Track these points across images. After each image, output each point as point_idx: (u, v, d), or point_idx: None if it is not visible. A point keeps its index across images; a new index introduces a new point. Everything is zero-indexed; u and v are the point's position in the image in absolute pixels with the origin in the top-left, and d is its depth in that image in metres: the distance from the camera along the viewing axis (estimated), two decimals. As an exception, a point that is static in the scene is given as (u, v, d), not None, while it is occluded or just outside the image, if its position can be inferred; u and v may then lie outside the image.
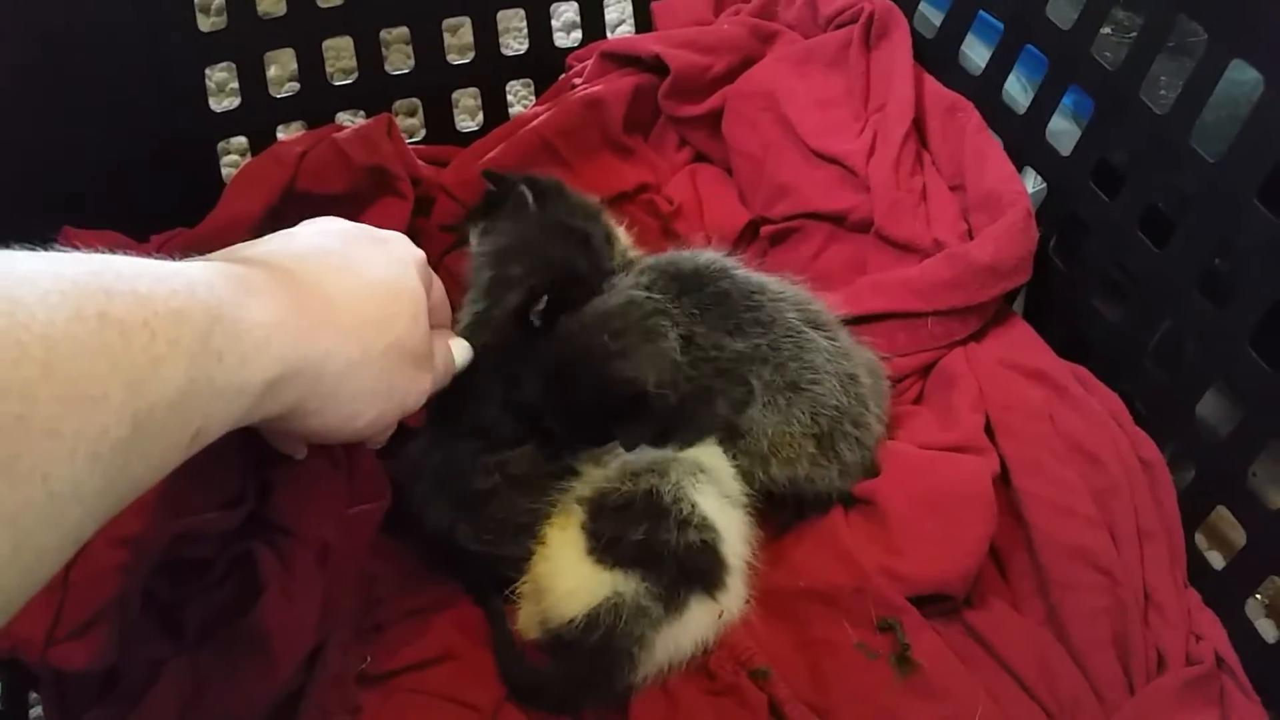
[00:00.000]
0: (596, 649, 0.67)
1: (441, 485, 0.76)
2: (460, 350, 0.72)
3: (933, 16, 0.98)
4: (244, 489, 0.69)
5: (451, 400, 0.73)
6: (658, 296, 0.75)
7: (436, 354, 0.65)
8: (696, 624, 0.69)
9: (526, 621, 0.72)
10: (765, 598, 0.75)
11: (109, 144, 0.89)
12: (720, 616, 0.70)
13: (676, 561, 0.68)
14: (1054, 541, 0.75)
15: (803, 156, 0.95)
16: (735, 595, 0.71)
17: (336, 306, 0.54)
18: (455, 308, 0.95)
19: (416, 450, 0.78)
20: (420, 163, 0.97)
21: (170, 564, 0.64)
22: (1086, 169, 0.85)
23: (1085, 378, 0.84)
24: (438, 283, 0.69)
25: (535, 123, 0.98)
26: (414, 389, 0.61)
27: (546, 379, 0.73)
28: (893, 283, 0.86)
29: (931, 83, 0.95)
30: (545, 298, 0.76)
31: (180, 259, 0.48)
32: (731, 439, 0.75)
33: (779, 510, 0.79)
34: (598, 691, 0.68)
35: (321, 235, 0.61)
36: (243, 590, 0.64)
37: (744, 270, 0.79)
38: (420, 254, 0.65)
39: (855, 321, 0.85)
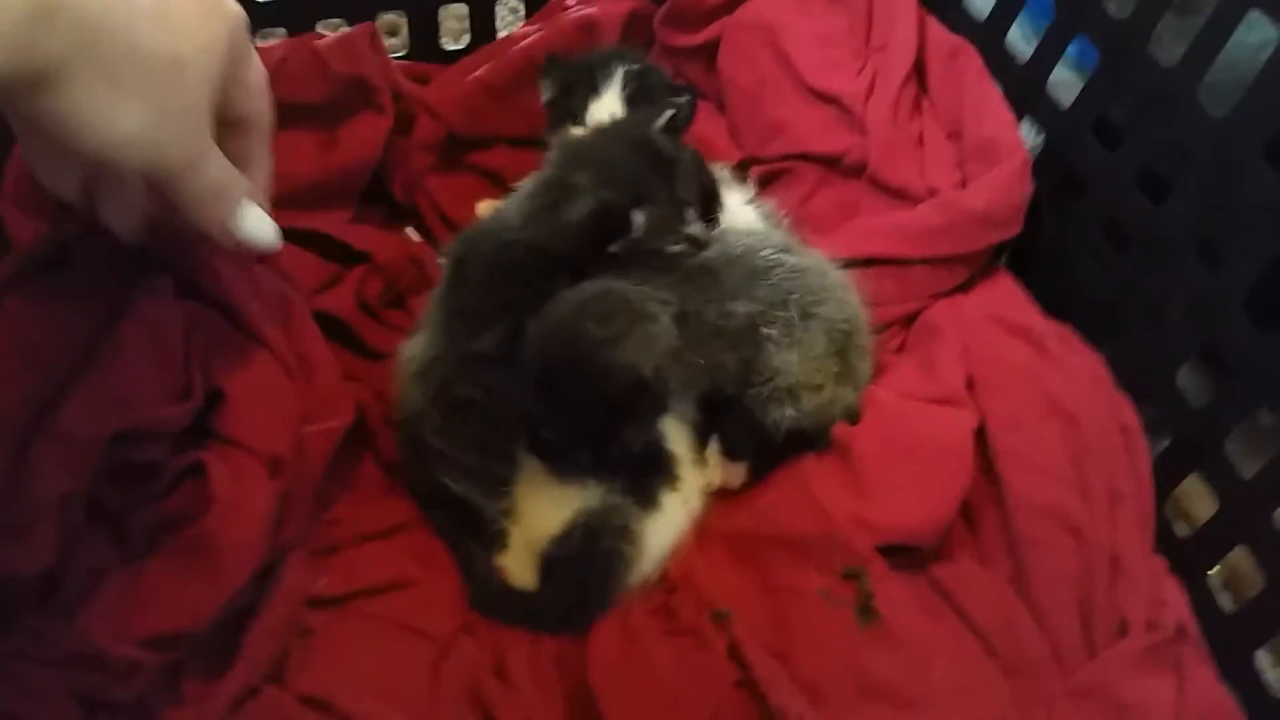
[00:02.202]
0: (587, 555, 0.68)
1: (424, 378, 0.73)
2: (259, 224, 0.63)
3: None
4: (191, 384, 0.67)
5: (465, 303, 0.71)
6: (635, 284, 0.70)
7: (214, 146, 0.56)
8: (672, 516, 0.72)
9: (516, 561, 0.72)
10: (731, 543, 0.74)
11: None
12: (688, 504, 0.73)
13: (628, 464, 0.70)
14: (1026, 500, 0.74)
15: (799, 94, 0.92)
16: (694, 487, 0.74)
17: None
18: (449, 220, 0.93)
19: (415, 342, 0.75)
20: (403, 78, 0.93)
21: (116, 467, 0.61)
22: (1087, 122, 0.82)
23: (1067, 337, 0.82)
24: (258, 67, 0.62)
25: (525, 43, 0.95)
26: (190, 122, 0.52)
27: (535, 384, 0.69)
28: (883, 228, 0.84)
29: (934, 25, 0.92)
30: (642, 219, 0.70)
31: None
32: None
33: (738, 451, 0.77)
34: (598, 595, 0.69)
35: None
36: (191, 500, 0.62)
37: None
38: (243, 15, 0.58)
39: (843, 266, 0.83)
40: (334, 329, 0.84)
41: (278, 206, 0.92)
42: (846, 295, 0.77)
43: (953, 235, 0.81)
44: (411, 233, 0.96)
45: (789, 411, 0.74)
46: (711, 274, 0.72)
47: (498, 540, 0.74)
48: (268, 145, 0.65)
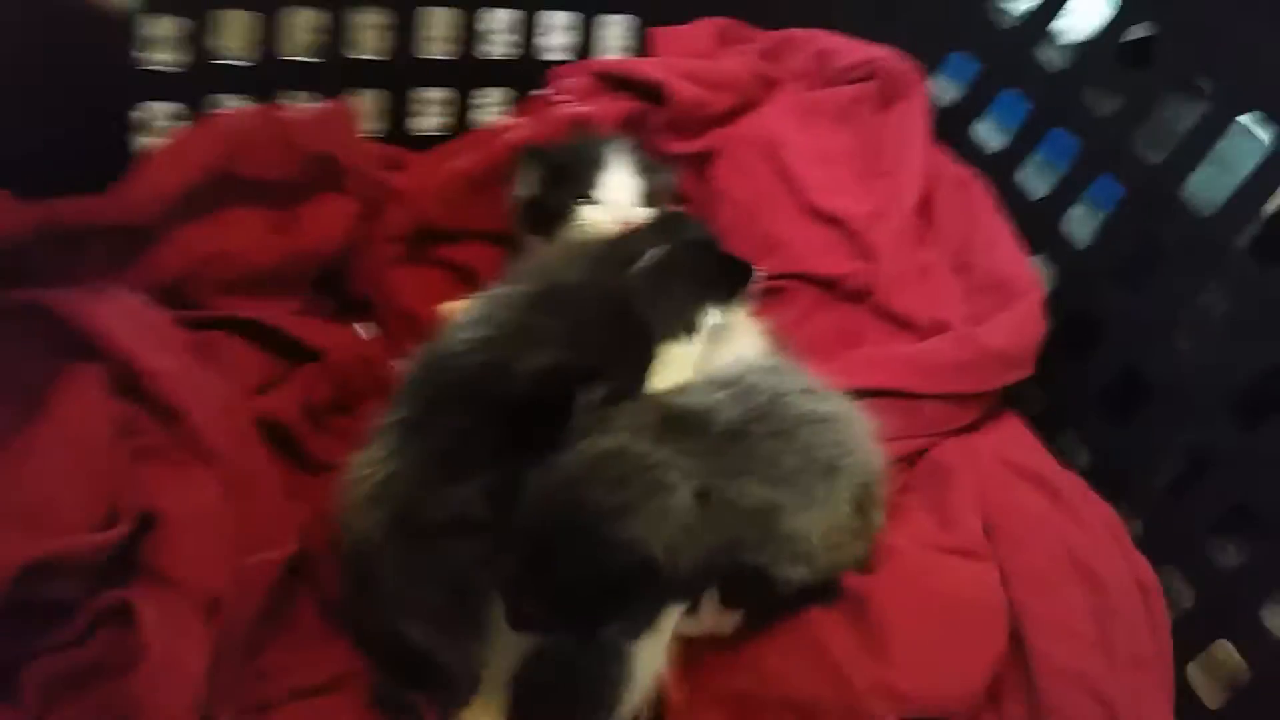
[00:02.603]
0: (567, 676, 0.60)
1: (379, 501, 0.62)
2: None
3: (947, 87, 0.93)
4: (118, 505, 0.56)
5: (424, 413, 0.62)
6: (653, 448, 0.62)
7: None
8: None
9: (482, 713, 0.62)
10: (730, 705, 0.65)
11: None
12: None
13: None
14: (1052, 665, 0.67)
15: (799, 212, 0.87)
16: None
17: None
18: (410, 318, 0.84)
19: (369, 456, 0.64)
20: (374, 161, 0.85)
21: (17, 606, 0.50)
22: (1107, 262, 0.79)
23: (1081, 487, 0.77)
24: None
25: (510, 134, 0.88)
26: None
27: (522, 551, 0.59)
28: (892, 359, 0.78)
29: (943, 155, 0.89)
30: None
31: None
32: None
33: (738, 603, 0.68)
34: None
35: None
36: (111, 650, 0.50)
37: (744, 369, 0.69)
38: None
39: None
40: (273, 435, 0.74)
41: (220, 291, 0.82)
42: (871, 445, 0.70)
43: (970, 372, 0.76)
44: (361, 329, 0.87)
45: (802, 571, 0.66)
46: (740, 440, 0.64)
47: (462, 696, 0.63)
48: None
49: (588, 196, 0.79)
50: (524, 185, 0.82)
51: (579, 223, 0.78)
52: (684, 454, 0.62)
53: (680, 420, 0.64)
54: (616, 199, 0.79)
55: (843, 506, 0.67)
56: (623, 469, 0.60)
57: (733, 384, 0.67)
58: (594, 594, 0.58)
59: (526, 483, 0.60)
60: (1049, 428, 0.81)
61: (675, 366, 0.73)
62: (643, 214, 0.79)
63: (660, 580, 0.59)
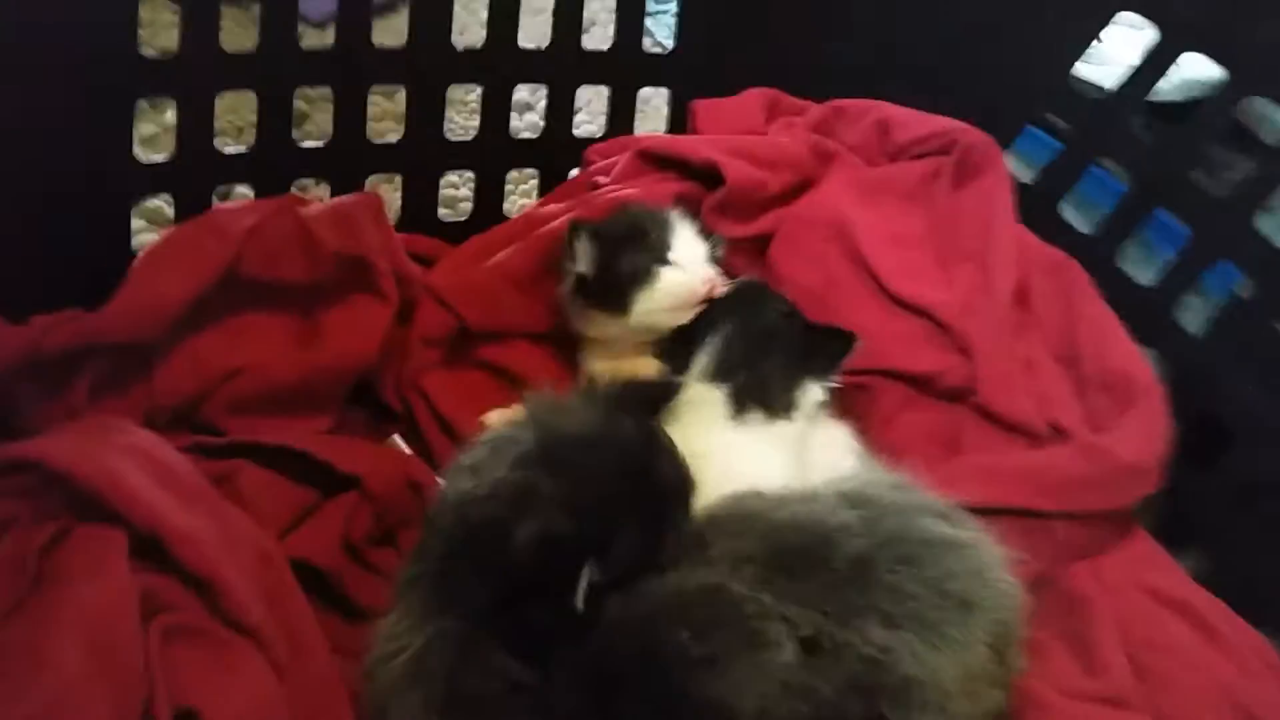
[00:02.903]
0: None
1: (417, 679, 0.52)
2: None
3: (1026, 163, 0.86)
4: (153, 707, 0.45)
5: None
6: (755, 590, 0.53)
7: None
8: None
9: None
10: None
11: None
12: None
13: None
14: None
15: (878, 300, 0.78)
16: None
17: None
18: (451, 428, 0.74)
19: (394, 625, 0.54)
20: (407, 259, 0.75)
21: None
22: (1228, 356, 0.72)
23: (1227, 614, 0.69)
24: None
25: (554, 224, 0.78)
26: None
27: (586, 691, 0.50)
28: (1010, 472, 0.69)
29: (1029, 236, 0.81)
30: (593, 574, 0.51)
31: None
32: None
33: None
34: None
35: None
36: None
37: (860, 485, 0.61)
38: None
39: None
40: (308, 580, 0.63)
41: (239, 412, 0.72)
42: (1007, 576, 0.61)
43: (1100, 488, 0.68)
44: (398, 441, 0.76)
45: None
46: (865, 572, 0.55)
47: None
48: None
49: (661, 259, 0.72)
50: (581, 261, 0.73)
51: (657, 287, 0.71)
52: (793, 598, 0.53)
53: (797, 553, 0.55)
54: (691, 260, 0.73)
55: (979, 649, 0.58)
56: (715, 612, 0.52)
57: (864, 502, 0.58)
58: None
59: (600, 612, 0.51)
60: (1171, 544, 0.73)
61: (776, 447, 0.67)
62: (715, 276, 0.73)
63: None
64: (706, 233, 0.77)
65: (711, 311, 0.72)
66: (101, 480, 0.50)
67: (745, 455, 0.66)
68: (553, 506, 0.51)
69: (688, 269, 0.72)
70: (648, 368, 0.73)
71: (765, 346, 0.69)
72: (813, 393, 0.69)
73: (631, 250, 0.72)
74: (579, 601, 0.49)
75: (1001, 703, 0.60)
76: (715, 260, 0.75)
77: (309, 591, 0.61)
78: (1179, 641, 0.66)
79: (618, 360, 0.74)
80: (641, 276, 0.71)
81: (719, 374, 0.69)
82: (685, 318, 0.72)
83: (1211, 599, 0.69)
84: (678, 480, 0.57)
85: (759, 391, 0.68)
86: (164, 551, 0.51)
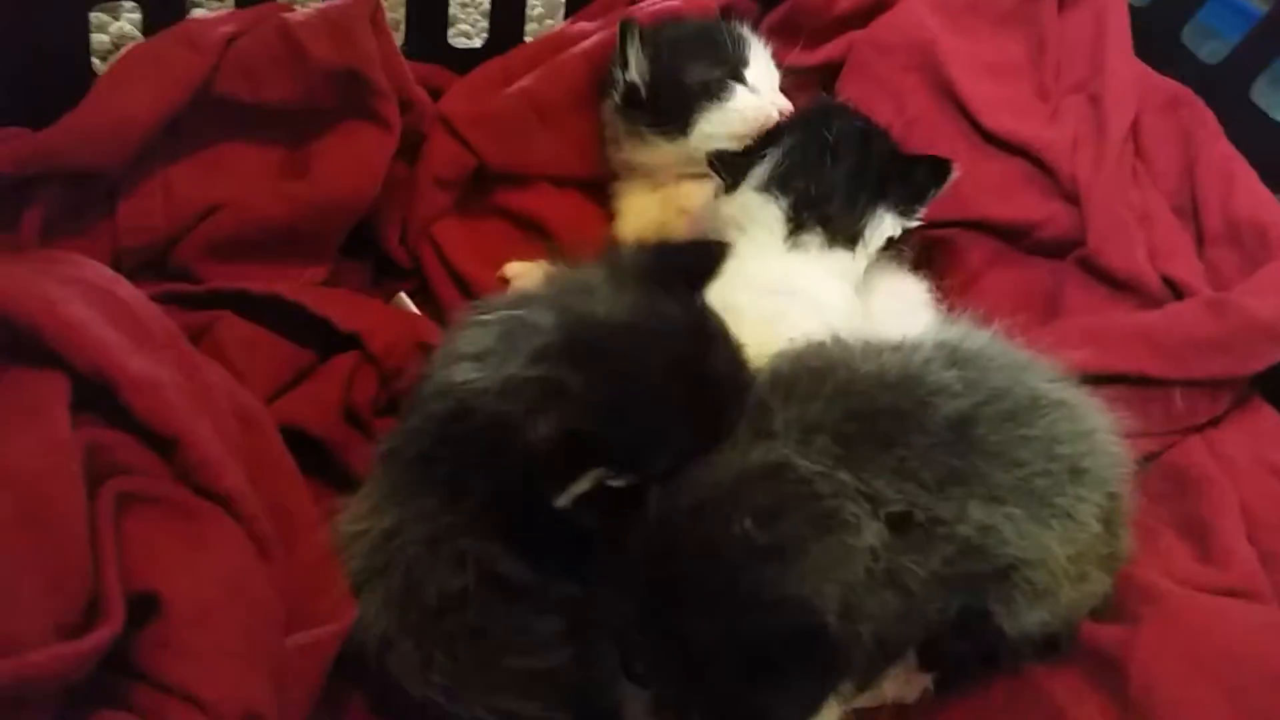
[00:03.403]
0: None
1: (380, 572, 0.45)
2: None
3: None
4: (102, 590, 0.37)
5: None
6: (827, 465, 0.44)
7: None
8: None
9: None
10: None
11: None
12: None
13: None
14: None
15: (969, 139, 0.68)
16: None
17: None
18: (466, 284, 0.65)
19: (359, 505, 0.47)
20: (413, 79, 0.64)
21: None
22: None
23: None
24: None
25: (584, 45, 0.67)
26: None
27: (636, 603, 0.42)
28: (1123, 332, 0.60)
29: (1142, 67, 0.69)
30: (598, 477, 0.42)
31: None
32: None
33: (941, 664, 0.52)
34: None
35: None
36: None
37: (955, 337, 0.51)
38: None
39: None
40: (302, 449, 0.54)
41: (219, 256, 0.61)
42: (1114, 439, 0.52)
43: (1229, 351, 0.58)
44: (406, 300, 0.66)
45: (1040, 615, 0.49)
46: (966, 435, 0.46)
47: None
48: None
49: (737, 75, 0.63)
50: (634, 67, 0.63)
51: (729, 106, 0.62)
52: (878, 468, 0.45)
53: (885, 416, 0.46)
54: (767, 84, 0.64)
55: (1091, 523, 0.49)
56: (781, 493, 0.43)
57: (963, 358, 0.49)
58: (737, 669, 0.41)
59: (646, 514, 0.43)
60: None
61: (824, 284, 0.57)
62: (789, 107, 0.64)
63: (832, 653, 0.42)
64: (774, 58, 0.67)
65: (780, 125, 0.62)
66: (37, 312, 0.41)
67: (806, 282, 0.57)
68: (581, 406, 0.42)
69: (762, 93, 0.63)
70: (690, 199, 0.64)
71: (837, 159, 0.59)
72: (885, 225, 0.59)
73: (701, 60, 0.63)
74: (566, 498, 0.40)
75: (1108, 587, 0.52)
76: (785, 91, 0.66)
77: (302, 463, 0.52)
78: (1314, 527, 0.57)
79: (656, 194, 0.66)
80: (713, 90, 0.62)
81: (777, 183, 0.59)
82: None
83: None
84: (733, 376, 0.47)
85: (821, 206, 0.58)
86: (117, 406, 0.41)
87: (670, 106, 0.62)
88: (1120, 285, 0.62)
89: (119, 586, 0.37)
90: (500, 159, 0.66)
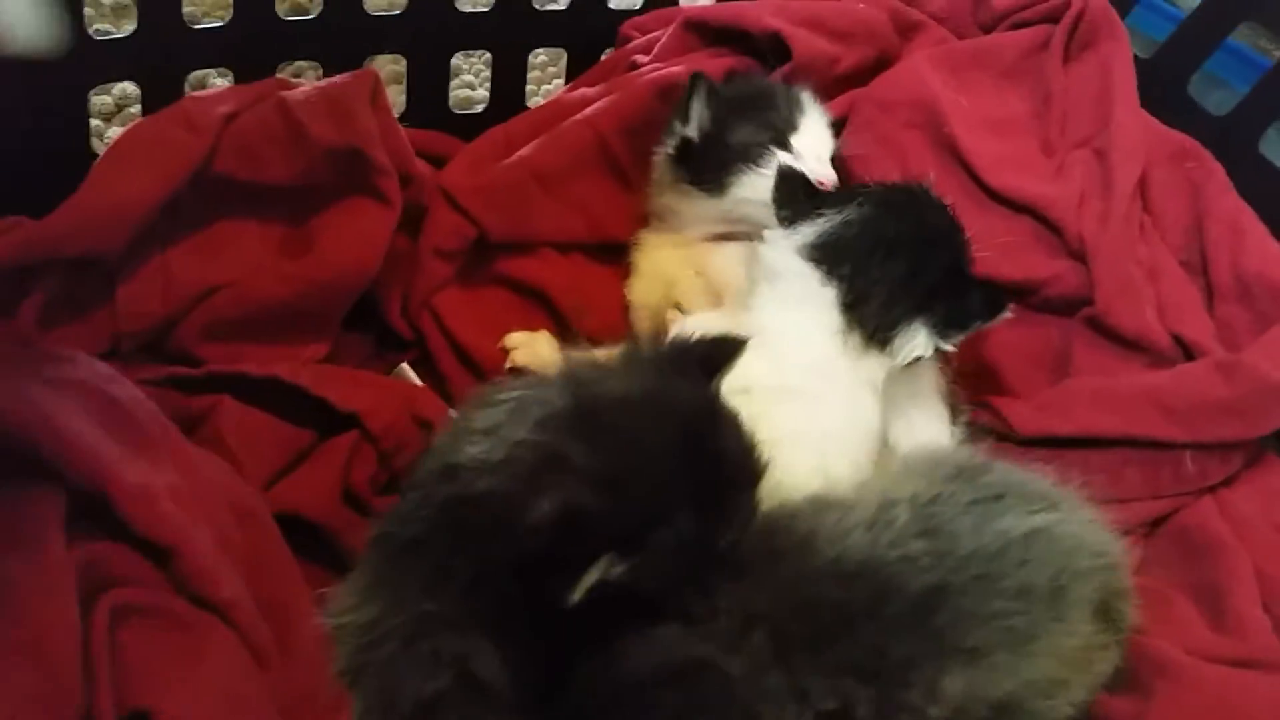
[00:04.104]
0: None
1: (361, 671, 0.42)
2: None
3: (1144, 37, 0.72)
4: (95, 707, 0.36)
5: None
6: (759, 665, 0.42)
7: None
8: None
9: None
10: None
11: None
12: None
13: None
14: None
15: (972, 197, 0.67)
16: None
17: None
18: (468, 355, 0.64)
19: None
20: (413, 153, 0.64)
21: None
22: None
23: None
24: None
25: (588, 111, 0.67)
26: None
27: None
28: (1131, 394, 0.59)
29: (1149, 119, 0.68)
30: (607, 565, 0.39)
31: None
32: None
33: None
34: None
35: None
36: None
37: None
38: None
39: (1057, 444, 0.59)
40: (302, 532, 0.54)
41: (219, 336, 0.61)
42: (1101, 539, 0.50)
43: (1240, 414, 0.57)
44: (408, 371, 0.66)
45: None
46: (937, 610, 0.44)
47: None
48: None
49: (781, 141, 0.61)
50: (695, 121, 0.63)
51: (761, 173, 0.60)
52: (819, 668, 0.42)
53: (837, 608, 0.43)
54: (814, 153, 0.62)
55: (1082, 626, 0.48)
56: (699, 695, 0.41)
57: (937, 526, 0.46)
58: None
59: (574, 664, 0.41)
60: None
61: (854, 391, 0.54)
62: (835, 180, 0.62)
63: None
64: (835, 127, 0.66)
65: (852, 190, 0.59)
66: (33, 424, 0.41)
67: (836, 381, 0.54)
68: (582, 479, 0.40)
69: (807, 161, 0.61)
70: (711, 263, 0.63)
71: (891, 256, 0.55)
72: (917, 342, 0.54)
73: (750, 122, 0.62)
74: (576, 593, 0.38)
75: (1117, 660, 0.51)
76: (834, 161, 0.64)
77: (303, 548, 0.52)
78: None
79: (677, 252, 0.64)
80: (752, 155, 0.61)
81: (822, 254, 0.55)
82: None
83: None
84: (742, 456, 0.45)
85: (856, 297, 0.54)
86: (112, 515, 0.41)
87: (713, 165, 0.61)
88: (1129, 344, 0.61)
89: (112, 710, 0.37)
90: (501, 229, 0.65)
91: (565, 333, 0.66)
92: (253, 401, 0.57)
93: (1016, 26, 0.72)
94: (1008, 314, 0.55)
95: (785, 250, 0.56)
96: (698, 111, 0.62)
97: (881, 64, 0.72)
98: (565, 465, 0.39)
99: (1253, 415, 0.57)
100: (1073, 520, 0.50)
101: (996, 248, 0.64)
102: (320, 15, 0.67)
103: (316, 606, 0.47)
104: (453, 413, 0.64)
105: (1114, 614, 0.51)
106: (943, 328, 0.54)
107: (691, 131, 0.62)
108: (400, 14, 0.69)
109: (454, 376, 0.65)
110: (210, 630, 0.41)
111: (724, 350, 0.46)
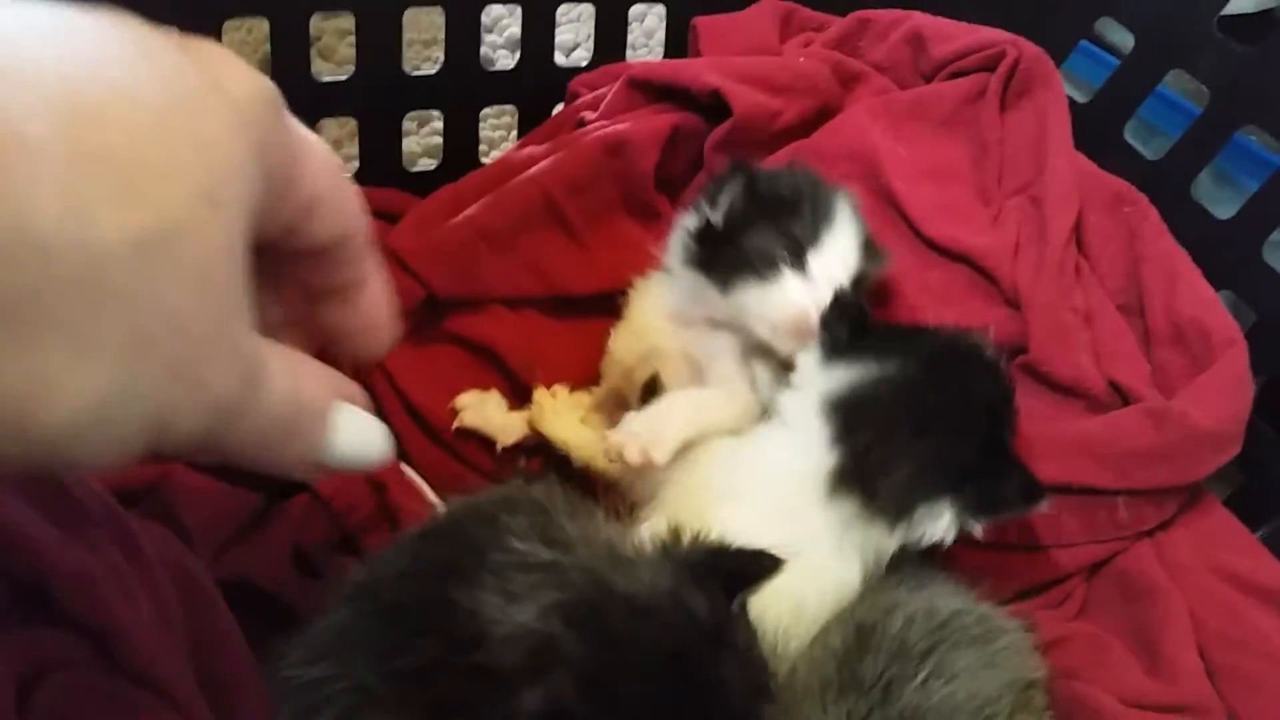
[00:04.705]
0: None
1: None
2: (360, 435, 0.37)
3: (1080, 83, 0.74)
4: None
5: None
6: None
7: (270, 357, 0.31)
8: None
9: None
10: None
11: None
12: None
13: None
14: None
15: (910, 247, 0.68)
16: None
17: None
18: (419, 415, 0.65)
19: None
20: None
21: None
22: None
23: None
24: (317, 150, 0.35)
25: (534, 170, 0.68)
26: (192, 363, 0.27)
27: None
28: (1065, 442, 0.60)
29: (1085, 162, 0.70)
30: None
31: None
32: None
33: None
34: None
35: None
36: None
37: None
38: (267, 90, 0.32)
39: None
40: (248, 602, 0.54)
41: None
42: (1013, 658, 0.51)
43: (1171, 460, 0.58)
44: (410, 473, 0.66)
45: None
46: None
47: None
48: (372, 264, 0.40)
49: (796, 256, 0.57)
50: (721, 210, 0.59)
51: (765, 293, 0.57)
52: None
53: None
54: (830, 272, 0.57)
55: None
56: None
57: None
58: None
59: None
60: (1248, 516, 0.63)
61: (837, 556, 0.51)
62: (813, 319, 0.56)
63: None
64: (872, 246, 0.61)
65: (900, 333, 0.56)
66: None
67: (816, 541, 0.50)
68: (570, 679, 0.38)
69: (817, 284, 0.57)
70: (698, 349, 0.61)
71: (925, 430, 0.51)
72: (941, 524, 0.51)
73: (771, 228, 0.58)
74: None
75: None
76: (861, 282, 0.59)
77: (256, 615, 0.53)
78: (1261, 635, 0.57)
79: (666, 323, 0.62)
80: (761, 264, 0.57)
81: (839, 409, 0.52)
82: (786, 346, 0.57)
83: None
84: (743, 689, 0.41)
85: (877, 475, 0.50)
86: (50, 601, 0.42)
87: (724, 260, 0.58)
88: (1065, 390, 0.63)
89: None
90: (449, 287, 0.66)
91: (516, 389, 0.67)
92: (203, 467, 0.58)
93: (955, 75, 0.73)
94: (1043, 508, 0.52)
95: (806, 398, 0.53)
96: (725, 202, 0.58)
97: (824, 115, 0.73)
98: (556, 659, 0.38)
99: (1182, 461, 0.58)
100: (1006, 638, 0.50)
101: (937, 296, 0.67)
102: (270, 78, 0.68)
103: (262, 678, 0.48)
104: (409, 475, 0.65)
105: (1033, 706, 0.51)
106: (974, 510, 0.51)
107: (716, 219, 0.59)
108: (348, 78, 0.70)
109: (408, 435, 0.66)
110: (149, 708, 0.42)
111: (755, 567, 0.44)
